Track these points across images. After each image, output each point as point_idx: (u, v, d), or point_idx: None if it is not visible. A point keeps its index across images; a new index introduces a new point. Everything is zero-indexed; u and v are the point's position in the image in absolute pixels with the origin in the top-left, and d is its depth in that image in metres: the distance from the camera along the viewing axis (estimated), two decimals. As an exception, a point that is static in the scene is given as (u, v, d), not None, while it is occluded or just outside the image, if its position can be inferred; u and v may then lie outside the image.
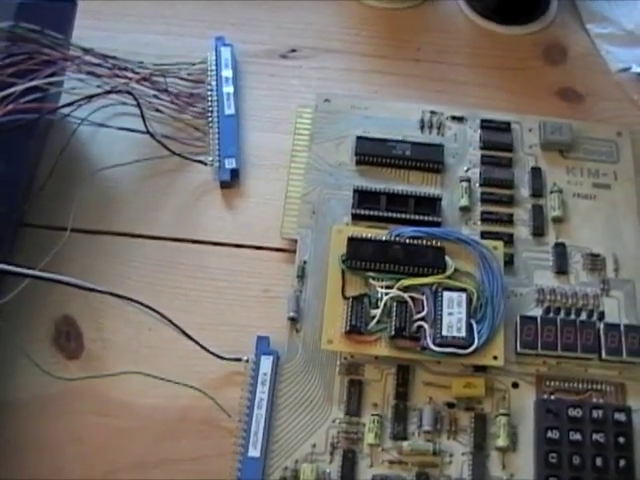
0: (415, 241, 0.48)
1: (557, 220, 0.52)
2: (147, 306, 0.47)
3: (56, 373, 0.47)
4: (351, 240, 0.48)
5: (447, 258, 0.48)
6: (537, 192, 0.53)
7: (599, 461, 0.44)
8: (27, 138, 0.50)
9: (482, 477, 0.44)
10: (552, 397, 0.46)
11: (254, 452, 0.44)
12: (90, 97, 0.51)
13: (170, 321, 0.47)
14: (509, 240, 0.51)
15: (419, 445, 0.45)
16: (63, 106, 0.51)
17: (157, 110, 0.55)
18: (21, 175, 0.50)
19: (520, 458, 0.45)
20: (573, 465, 0.44)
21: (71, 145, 0.54)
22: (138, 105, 0.51)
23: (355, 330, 0.46)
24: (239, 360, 0.47)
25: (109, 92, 0.51)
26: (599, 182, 0.54)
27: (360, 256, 0.47)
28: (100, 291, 0.46)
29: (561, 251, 0.51)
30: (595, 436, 0.45)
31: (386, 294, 0.47)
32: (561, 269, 0.50)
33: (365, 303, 0.47)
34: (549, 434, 0.45)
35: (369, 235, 0.48)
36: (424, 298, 0.47)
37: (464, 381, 0.46)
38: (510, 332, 0.47)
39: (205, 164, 0.54)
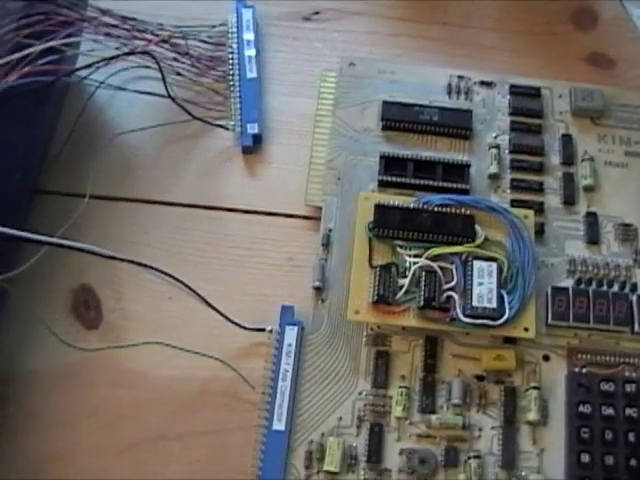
0: (444, 209, 0.47)
1: (588, 189, 0.51)
2: (168, 274, 0.46)
3: (74, 343, 0.46)
4: (378, 207, 0.47)
5: (477, 227, 0.46)
6: (568, 160, 0.52)
7: (632, 436, 0.43)
8: (43, 102, 0.48)
9: (512, 452, 0.43)
10: (584, 370, 0.45)
11: (279, 425, 0.43)
12: (109, 59, 0.50)
13: (192, 290, 0.46)
14: (539, 209, 0.50)
15: (448, 419, 0.44)
16: (80, 68, 0.50)
17: (177, 73, 0.54)
18: (37, 140, 0.49)
19: (551, 433, 0.44)
20: (605, 440, 0.43)
21: (88, 109, 0.53)
22: (159, 67, 0.50)
23: (382, 300, 0.44)
24: (262, 330, 0.46)
25: (128, 54, 0.50)
26: (631, 150, 0.52)
27: (388, 224, 0.46)
28: (120, 259, 0.45)
29: (592, 221, 0.49)
30: (628, 411, 0.44)
31: (415, 263, 0.45)
32: (592, 239, 0.49)
33: (393, 272, 0.45)
34: (581, 408, 0.44)
35: (397, 202, 0.47)
36: (453, 268, 0.45)
37: (494, 353, 0.45)
38: (541, 303, 0.46)
39: (227, 129, 0.53)
